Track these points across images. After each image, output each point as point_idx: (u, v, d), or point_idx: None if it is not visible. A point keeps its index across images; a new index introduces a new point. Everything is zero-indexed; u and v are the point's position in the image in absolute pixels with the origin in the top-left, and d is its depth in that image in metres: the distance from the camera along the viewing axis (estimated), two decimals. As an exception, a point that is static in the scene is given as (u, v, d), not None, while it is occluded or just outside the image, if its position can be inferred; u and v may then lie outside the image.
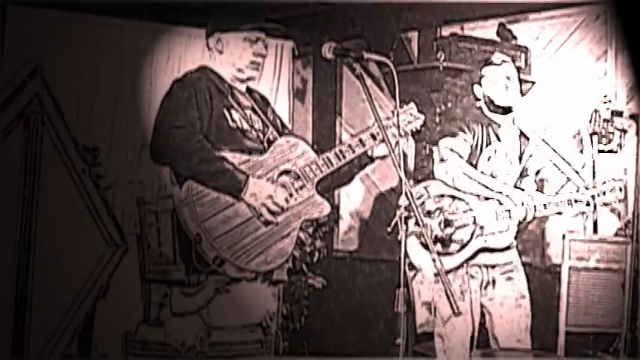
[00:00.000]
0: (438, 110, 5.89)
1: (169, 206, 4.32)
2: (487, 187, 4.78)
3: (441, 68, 5.82)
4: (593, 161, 5.28)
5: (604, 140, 5.27)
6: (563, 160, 5.03)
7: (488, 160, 4.87)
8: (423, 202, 4.80)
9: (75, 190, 4.99)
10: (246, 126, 4.29)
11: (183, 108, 4.15)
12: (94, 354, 4.93)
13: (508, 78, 4.93)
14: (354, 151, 4.34)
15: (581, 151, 5.38)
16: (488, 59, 5.05)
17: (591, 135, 5.30)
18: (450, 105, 5.82)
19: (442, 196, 4.82)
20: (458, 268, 4.79)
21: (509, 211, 4.78)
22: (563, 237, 5.12)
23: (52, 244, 4.85)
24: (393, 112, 4.36)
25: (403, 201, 3.73)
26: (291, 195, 4.23)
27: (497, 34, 5.93)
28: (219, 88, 4.27)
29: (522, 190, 4.86)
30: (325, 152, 4.32)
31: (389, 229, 4.47)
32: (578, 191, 4.90)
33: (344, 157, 4.31)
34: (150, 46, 5.43)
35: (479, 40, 5.92)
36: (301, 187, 4.26)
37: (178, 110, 4.13)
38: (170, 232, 4.78)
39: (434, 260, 3.69)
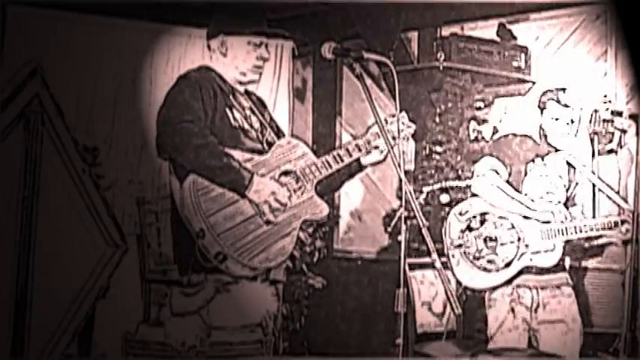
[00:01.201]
0: (437, 110, 5.90)
1: (169, 206, 4.31)
2: (523, 204, 4.73)
3: (441, 68, 5.83)
4: (593, 161, 5.28)
5: (604, 140, 5.27)
6: (607, 185, 4.95)
7: (532, 182, 4.81)
8: (469, 219, 4.78)
9: (75, 190, 4.99)
10: (246, 126, 4.29)
11: (189, 103, 4.14)
12: (94, 354, 4.93)
13: (572, 121, 4.80)
14: (351, 155, 4.34)
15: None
16: (556, 97, 4.87)
17: (591, 135, 5.30)
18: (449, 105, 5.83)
19: (486, 213, 4.78)
20: (502, 285, 4.73)
21: (554, 229, 4.71)
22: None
23: (52, 244, 4.85)
24: (386, 120, 4.37)
25: (403, 201, 3.73)
26: (291, 195, 4.24)
27: (497, 34, 5.93)
28: (222, 87, 4.27)
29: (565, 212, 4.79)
30: (325, 155, 4.33)
31: (389, 229, 4.48)
32: (620, 214, 4.79)
33: (342, 160, 4.32)
34: (150, 46, 5.43)
35: (479, 40, 5.93)
36: (301, 188, 4.27)
37: (185, 105, 4.13)
38: (170, 232, 4.77)
39: (433, 260, 3.69)
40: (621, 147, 5.28)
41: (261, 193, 4.14)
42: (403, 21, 5.96)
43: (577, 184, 4.83)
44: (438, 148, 5.96)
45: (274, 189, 4.16)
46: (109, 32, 5.41)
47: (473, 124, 5.92)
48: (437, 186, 5.87)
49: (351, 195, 6.42)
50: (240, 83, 4.33)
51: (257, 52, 4.34)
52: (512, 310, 4.71)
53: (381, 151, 4.33)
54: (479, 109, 5.85)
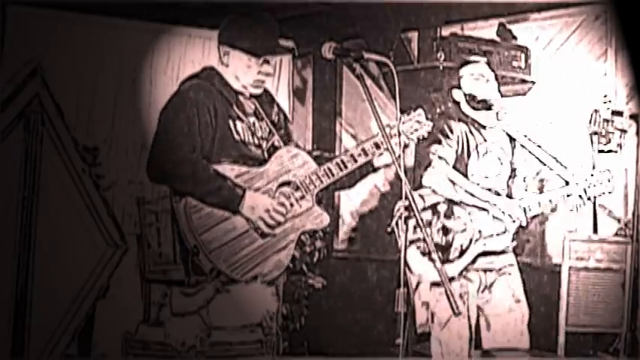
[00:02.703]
0: (438, 111, 5.89)
1: (169, 206, 4.31)
2: (474, 196, 4.78)
3: (441, 68, 5.82)
4: (593, 161, 5.28)
5: (604, 140, 5.27)
6: (552, 157, 5.01)
7: (477, 160, 4.87)
8: (423, 210, 4.80)
9: (75, 190, 4.99)
10: (249, 137, 4.26)
11: (182, 126, 4.11)
12: (94, 354, 4.93)
13: (484, 75, 4.94)
14: (356, 161, 4.29)
15: (581, 152, 5.39)
16: (463, 61, 5.06)
17: (591, 135, 5.30)
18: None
19: (438, 203, 4.81)
20: (460, 274, 4.77)
21: (504, 214, 4.77)
22: (564, 237, 5.12)
23: (52, 244, 4.85)
24: (399, 117, 4.33)
25: (403, 201, 3.73)
26: (292, 205, 4.20)
27: (498, 34, 5.93)
28: (224, 94, 4.23)
29: (510, 197, 4.85)
30: (326, 162, 4.28)
31: (389, 229, 4.48)
32: (568, 185, 4.88)
33: (345, 167, 4.26)
34: (150, 46, 5.43)
35: (479, 40, 5.92)
36: (301, 198, 4.23)
37: (178, 129, 4.10)
38: (170, 232, 4.76)
39: (433, 261, 3.69)
40: (621, 147, 5.28)
41: (255, 209, 4.11)
42: (403, 21, 5.96)
43: (518, 155, 4.89)
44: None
45: (268, 206, 4.12)
46: (109, 32, 5.40)
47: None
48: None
49: (351, 195, 6.41)
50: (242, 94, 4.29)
51: (261, 68, 4.29)
52: (461, 295, 4.74)
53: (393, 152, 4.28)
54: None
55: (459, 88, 5.00)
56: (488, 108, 4.93)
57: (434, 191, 4.81)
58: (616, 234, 5.26)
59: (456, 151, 4.87)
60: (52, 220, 4.87)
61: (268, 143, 4.30)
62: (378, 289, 5.75)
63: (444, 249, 4.77)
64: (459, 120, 4.97)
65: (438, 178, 4.81)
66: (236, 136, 4.20)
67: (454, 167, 4.85)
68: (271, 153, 4.27)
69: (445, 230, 4.78)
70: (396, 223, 3.95)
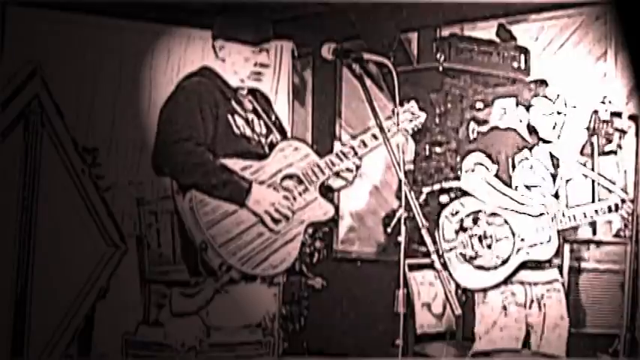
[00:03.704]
0: (437, 111, 5.90)
1: (169, 207, 4.31)
2: (513, 199, 4.72)
3: (440, 69, 5.83)
4: (593, 162, 5.28)
5: (603, 141, 5.27)
6: (594, 172, 4.97)
7: (521, 175, 4.81)
8: (461, 219, 4.77)
9: (75, 190, 4.99)
10: (248, 132, 4.27)
11: (187, 118, 4.11)
12: (94, 354, 4.93)
13: (559, 113, 4.82)
14: (356, 153, 4.31)
15: (581, 152, 5.39)
16: (538, 92, 4.90)
17: (591, 136, 5.30)
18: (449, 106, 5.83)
19: (479, 211, 4.77)
20: (502, 283, 4.72)
21: (548, 220, 4.71)
22: (564, 238, 5.12)
23: (52, 244, 4.85)
24: (393, 111, 4.34)
25: (403, 201, 3.73)
26: (294, 198, 4.21)
27: (497, 34, 5.94)
28: (223, 91, 4.24)
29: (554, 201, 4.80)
30: (328, 154, 4.30)
31: (389, 230, 4.47)
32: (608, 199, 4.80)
33: (346, 157, 4.29)
34: (150, 47, 5.44)
35: (479, 40, 5.93)
36: (304, 191, 4.25)
37: (182, 121, 4.10)
38: (170, 232, 4.77)
39: (433, 261, 3.69)
40: (621, 148, 5.29)
41: (261, 203, 4.12)
42: (403, 22, 5.96)
43: (561, 177, 4.84)
44: (438, 149, 5.97)
45: (274, 200, 4.13)
46: (109, 33, 5.41)
47: (472, 124, 5.93)
48: (437, 187, 5.87)
49: (351, 196, 6.42)
50: (241, 88, 4.31)
51: (257, 59, 4.30)
52: (505, 308, 4.71)
53: (350, 171, 4.30)
54: (478, 109, 5.85)
55: (527, 111, 4.85)
56: (545, 142, 4.84)
57: (474, 196, 4.77)
58: (615, 235, 5.26)
59: (498, 162, 4.82)
60: (51, 221, 4.87)
61: (267, 140, 4.31)
62: (377, 289, 5.75)
63: (485, 257, 4.73)
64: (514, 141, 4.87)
65: (476, 182, 4.76)
66: (236, 130, 4.20)
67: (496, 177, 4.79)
68: (272, 146, 4.28)
69: (485, 237, 4.74)
70: (396, 224, 3.94)
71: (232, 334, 4.24)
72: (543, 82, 4.79)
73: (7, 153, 4.82)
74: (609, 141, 5.28)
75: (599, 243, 5.16)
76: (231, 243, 4.09)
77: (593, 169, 5.23)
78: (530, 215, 4.68)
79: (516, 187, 4.74)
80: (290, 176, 4.24)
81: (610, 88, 5.43)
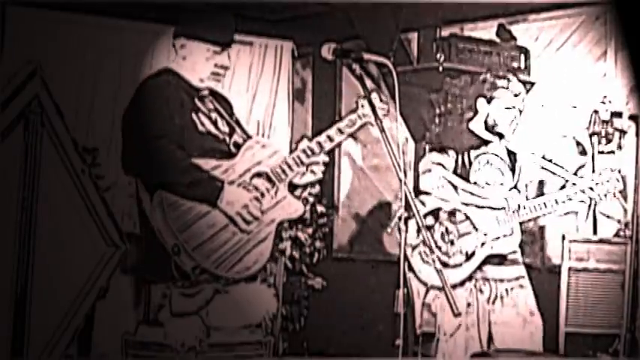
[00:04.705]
0: (437, 111, 5.89)
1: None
2: (473, 194, 4.76)
3: (440, 69, 5.82)
4: (593, 162, 5.28)
5: (604, 141, 5.27)
6: (556, 165, 5.00)
7: (478, 170, 4.86)
8: (424, 216, 4.78)
9: (74, 190, 4.99)
10: (214, 130, 4.26)
11: (156, 116, 4.11)
12: (94, 354, 4.92)
13: (518, 109, 4.88)
14: (322, 148, 4.33)
15: (581, 153, 5.39)
16: (501, 85, 4.95)
17: (591, 136, 5.30)
18: (449, 106, 5.82)
19: (440, 208, 4.80)
20: (468, 279, 4.74)
21: (508, 213, 4.75)
22: (563, 238, 5.13)
23: (51, 244, 4.84)
24: (357, 102, 4.39)
25: (402, 201, 3.73)
26: (262, 195, 4.20)
27: (497, 34, 5.93)
28: (186, 90, 4.24)
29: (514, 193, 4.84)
30: (295, 151, 4.31)
31: (389, 230, 4.48)
32: (574, 185, 4.86)
33: (314, 153, 4.30)
34: (150, 46, 5.43)
35: (478, 40, 5.92)
36: (274, 189, 4.24)
37: (152, 119, 4.10)
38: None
39: (433, 261, 3.69)
40: (620, 148, 5.28)
41: (233, 204, 4.11)
42: (403, 22, 5.96)
43: (520, 169, 4.87)
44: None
45: (246, 201, 4.13)
46: (108, 33, 5.41)
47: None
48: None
49: (351, 196, 6.42)
50: (202, 89, 4.29)
51: (216, 60, 4.29)
52: (469, 305, 4.72)
53: (314, 173, 4.31)
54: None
55: (488, 103, 4.91)
56: (500, 137, 4.90)
57: (433, 195, 4.80)
58: (616, 235, 5.26)
59: (456, 160, 4.86)
60: (51, 221, 4.87)
61: (231, 139, 4.31)
62: (377, 289, 5.75)
63: (449, 254, 4.75)
64: (467, 137, 4.94)
65: (435, 181, 4.80)
66: (200, 128, 4.21)
67: (455, 174, 4.83)
68: (237, 146, 4.27)
69: (449, 234, 4.76)
70: (396, 224, 3.94)
71: (232, 334, 4.25)
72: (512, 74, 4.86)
73: (7, 153, 4.81)
74: (609, 141, 5.28)
75: (599, 243, 5.16)
76: (204, 246, 4.07)
77: (593, 170, 5.24)
78: (491, 209, 4.71)
79: (475, 182, 4.77)
80: (259, 174, 4.24)
81: (610, 88, 5.43)
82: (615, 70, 5.49)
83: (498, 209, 4.74)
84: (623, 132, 5.27)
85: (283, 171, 4.25)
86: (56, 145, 4.95)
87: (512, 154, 4.92)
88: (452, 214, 4.78)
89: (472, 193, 4.76)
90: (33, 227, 4.79)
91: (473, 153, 4.83)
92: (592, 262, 5.10)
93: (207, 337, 4.26)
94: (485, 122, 4.92)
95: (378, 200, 6.42)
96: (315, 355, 5.49)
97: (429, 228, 4.76)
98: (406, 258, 4.62)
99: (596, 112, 5.28)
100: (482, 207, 4.74)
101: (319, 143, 4.32)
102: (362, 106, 4.34)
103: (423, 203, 4.81)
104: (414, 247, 4.73)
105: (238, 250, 4.15)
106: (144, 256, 4.36)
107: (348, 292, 5.97)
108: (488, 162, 4.85)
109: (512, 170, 4.90)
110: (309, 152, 4.29)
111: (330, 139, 4.34)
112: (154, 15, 5.31)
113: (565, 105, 5.57)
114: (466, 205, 4.76)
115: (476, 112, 4.99)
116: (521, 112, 4.93)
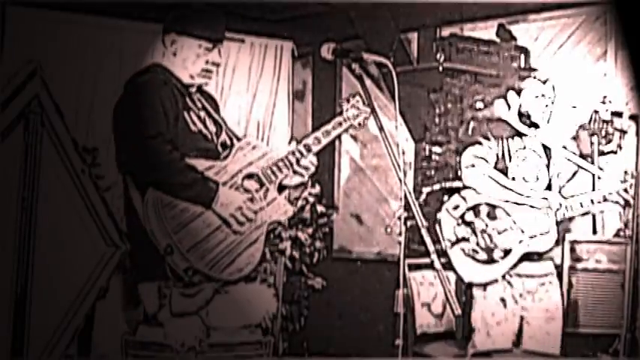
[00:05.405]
0: (437, 111, 5.89)
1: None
2: (514, 192, 4.75)
3: (440, 69, 5.82)
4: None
5: (604, 141, 5.27)
6: (587, 163, 5.00)
7: (518, 166, 4.84)
8: (463, 213, 4.78)
9: (74, 190, 4.99)
10: (204, 129, 4.26)
11: (150, 115, 4.10)
12: (94, 354, 4.93)
13: (548, 97, 4.89)
14: (310, 150, 4.34)
15: (581, 154, 5.39)
16: (527, 75, 4.98)
17: (591, 136, 5.30)
18: (451, 108, 5.83)
19: (479, 204, 4.79)
20: (505, 275, 4.75)
21: (547, 212, 4.74)
22: (563, 238, 5.12)
23: (51, 244, 4.85)
24: (340, 105, 4.39)
25: (402, 201, 3.73)
26: (253, 197, 4.20)
27: (497, 34, 5.93)
28: (177, 87, 4.23)
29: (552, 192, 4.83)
30: (286, 154, 4.32)
31: (388, 230, 4.48)
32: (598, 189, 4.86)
33: (302, 155, 4.31)
34: (150, 46, 5.43)
35: (478, 40, 5.93)
36: (265, 191, 4.25)
37: (147, 118, 4.09)
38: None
39: (432, 260, 3.69)
40: (621, 148, 5.28)
41: (228, 206, 4.11)
42: (402, 22, 5.96)
43: (554, 164, 4.87)
44: (438, 149, 5.96)
45: (240, 203, 4.13)
46: (108, 33, 5.40)
47: (472, 124, 5.93)
48: (436, 186, 5.86)
49: (351, 196, 6.42)
50: (191, 85, 4.28)
51: (208, 56, 4.28)
52: (503, 300, 4.72)
53: (307, 168, 4.31)
54: (478, 109, 5.85)
55: (518, 95, 4.93)
56: (536, 127, 4.90)
57: (476, 190, 4.79)
58: (616, 235, 5.26)
59: (497, 154, 4.86)
60: (51, 221, 4.87)
61: (219, 139, 4.31)
62: (377, 289, 5.75)
63: (488, 250, 4.75)
64: (502, 127, 4.93)
65: (479, 176, 4.79)
66: (192, 127, 4.20)
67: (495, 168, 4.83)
68: (224, 146, 4.27)
69: (488, 230, 4.76)
70: (396, 224, 3.94)
71: (232, 334, 4.25)
72: (533, 69, 4.86)
73: (7, 153, 4.82)
74: (609, 141, 5.28)
75: (599, 243, 5.16)
76: (197, 247, 4.07)
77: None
78: (530, 207, 4.70)
79: (513, 177, 4.76)
80: (250, 176, 4.24)
81: (610, 88, 5.43)
82: (615, 70, 5.49)
83: (538, 208, 4.73)
84: (623, 132, 5.27)
85: (273, 172, 4.26)
86: (56, 145, 4.96)
87: (547, 150, 4.92)
88: (492, 210, 4.78)
89: (513, 190, 4.75)
90: (33, 227, 4.79)
91: (512, 147, 4.83)
92: (592, 262, 5.09)
93: (207, 337, 4.26)
94: (520, 114, 4.91)
95: (378, 200, 6.42)
96: (315, 355, 5.49)
97: (469, 224, 4.76)
98: (445, 253, 4.67)
99: (596, 112, 5.28)
100: (522, 204, 4.74)
101: (307, 145, 4.33)
102: (346, 109, 4.35)
103: (464, 199, 4.81)
104: (453, 243, 4.74)
105: (231, 251, 4.15)
106: (134, 255, 4.35)
107: (348, 292, 5.96)
108: (525, 157, 4.85)
109: (547, 166, 4.90)
110: (297, 154, 4.30)
111: (318, 140, 4.34)
112: (154, 15, 5.30)
113: (564, 104, 5.57)
114: (506, 201, 4.76)
115: (509, 107, 4.98)
116: (552, 101, 4.92)
